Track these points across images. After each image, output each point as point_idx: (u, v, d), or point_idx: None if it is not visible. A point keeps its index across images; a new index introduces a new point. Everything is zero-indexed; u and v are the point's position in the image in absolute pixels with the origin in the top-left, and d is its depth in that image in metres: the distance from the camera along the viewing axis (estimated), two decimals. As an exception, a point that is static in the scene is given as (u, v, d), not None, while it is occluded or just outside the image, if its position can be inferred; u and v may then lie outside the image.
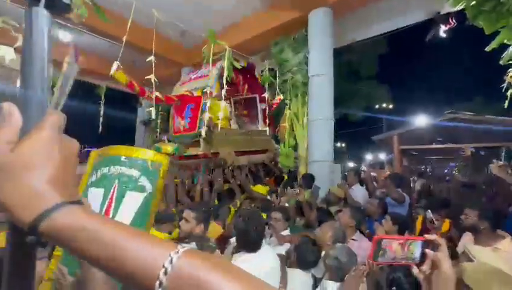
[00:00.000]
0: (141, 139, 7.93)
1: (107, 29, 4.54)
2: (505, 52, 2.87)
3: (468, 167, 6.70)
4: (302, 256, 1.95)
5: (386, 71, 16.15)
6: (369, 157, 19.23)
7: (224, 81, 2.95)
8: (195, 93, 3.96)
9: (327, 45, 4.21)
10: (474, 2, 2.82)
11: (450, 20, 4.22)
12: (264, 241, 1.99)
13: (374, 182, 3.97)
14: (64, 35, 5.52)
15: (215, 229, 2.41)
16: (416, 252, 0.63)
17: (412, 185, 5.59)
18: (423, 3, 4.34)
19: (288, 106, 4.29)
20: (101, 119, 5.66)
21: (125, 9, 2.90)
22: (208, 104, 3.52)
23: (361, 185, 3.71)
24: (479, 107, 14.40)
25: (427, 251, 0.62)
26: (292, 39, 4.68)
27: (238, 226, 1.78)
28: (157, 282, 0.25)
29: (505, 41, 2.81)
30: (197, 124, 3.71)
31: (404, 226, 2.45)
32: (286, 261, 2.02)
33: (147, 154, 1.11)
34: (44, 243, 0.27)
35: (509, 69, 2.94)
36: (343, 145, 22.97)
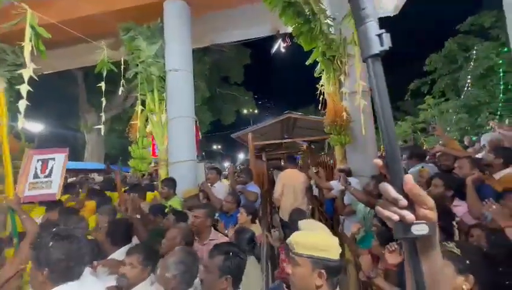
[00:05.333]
0: None
1: None
2: (317, 67, 3.81)
3: (306, 158, 8.67)
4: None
5: (250, 80, 18.34)
6: (241, 156, 21.20)
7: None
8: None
9: (185, 40, 4.04)
10: (296, 25, 3.54)
11: (286, 38, 5.19)
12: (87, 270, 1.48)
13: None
14: None
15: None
16: None
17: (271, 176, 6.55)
18: (268, 20, 5.06)
19: (140, 102, 3.74)
20: None
21: None
22: None
23: None
24: (314, 109, 19.40)
25: None
26: (147, 28, 4.16)
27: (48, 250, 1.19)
28: None
29: (316, 58, 3.72)
30: None
31: (254, 215, 2.68)
32: None
33: None
34: None
35: (320, 81, 3.90)
36: (219, 146, 24.27)
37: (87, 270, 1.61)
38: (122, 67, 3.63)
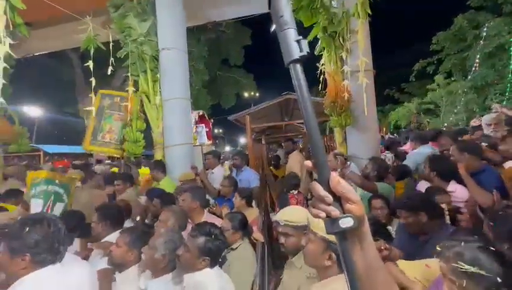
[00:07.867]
0: None
1: None
2: (317, 44, 3.58)
3: (307, 141, 8.56)
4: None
5: (251, 61, 17.79)
6: (242, 140, 21.11)
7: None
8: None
9: (178, 17, 3.81)
10: (294, -3, 3.27)
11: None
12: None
13: None
14: None
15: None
16: None
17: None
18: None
19: (132, 83, 3.59)
20: None
21: None
22: None
23: None
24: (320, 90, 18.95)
25: None
26: (137, 4, 3.92)
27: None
28: None
29: (317, 35, 3.50)
30: None
31: (249, 199, 2.64)
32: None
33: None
34: None
35: (321, 60, 3.69)
36: (220, 131, 24.17)
37: (76, 256, 1.57)
38: (111, 45, 3.44)
